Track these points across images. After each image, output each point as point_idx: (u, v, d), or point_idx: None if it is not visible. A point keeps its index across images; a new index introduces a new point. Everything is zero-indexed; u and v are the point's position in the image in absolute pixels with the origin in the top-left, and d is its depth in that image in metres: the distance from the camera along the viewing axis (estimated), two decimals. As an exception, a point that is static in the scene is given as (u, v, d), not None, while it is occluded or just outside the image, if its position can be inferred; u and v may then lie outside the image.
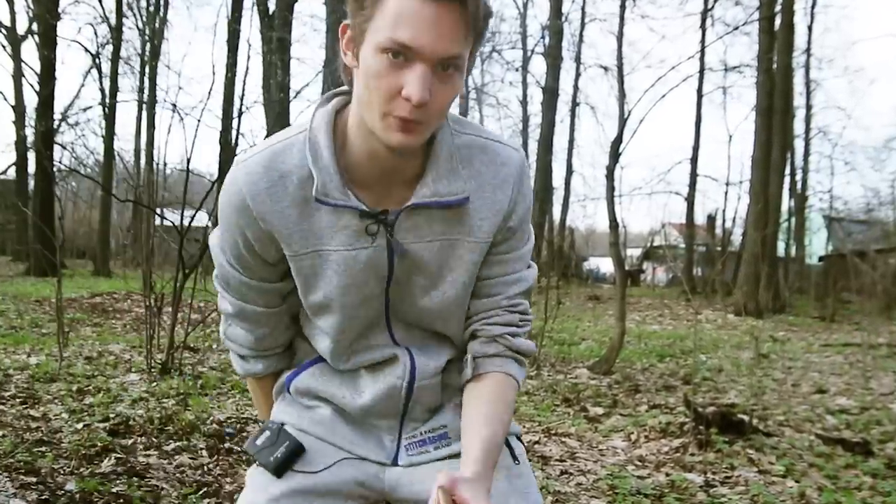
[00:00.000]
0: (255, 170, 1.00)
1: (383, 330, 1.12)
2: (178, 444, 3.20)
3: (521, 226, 1.09)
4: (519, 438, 1.20)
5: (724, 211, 24.78)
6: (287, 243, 1.02)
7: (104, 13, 20.14)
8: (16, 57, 18.89)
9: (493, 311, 1.11)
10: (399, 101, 0.89)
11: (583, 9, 22.86)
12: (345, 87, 1.04)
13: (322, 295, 1.06)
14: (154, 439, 3.25)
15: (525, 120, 25.66)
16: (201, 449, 3.17)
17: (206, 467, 2.95)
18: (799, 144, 21.95)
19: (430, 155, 1.01)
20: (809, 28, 21.19)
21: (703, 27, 21.02)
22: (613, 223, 6.66)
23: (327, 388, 1.15)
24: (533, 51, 24.52)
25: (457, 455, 1.06)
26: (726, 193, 37.60)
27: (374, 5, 0.89)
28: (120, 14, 19.23)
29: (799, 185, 21.66)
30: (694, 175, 22.78)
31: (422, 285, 1.07)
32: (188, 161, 5.83)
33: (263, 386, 1.25)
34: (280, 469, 1.08)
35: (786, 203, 18.90)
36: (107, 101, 19.41)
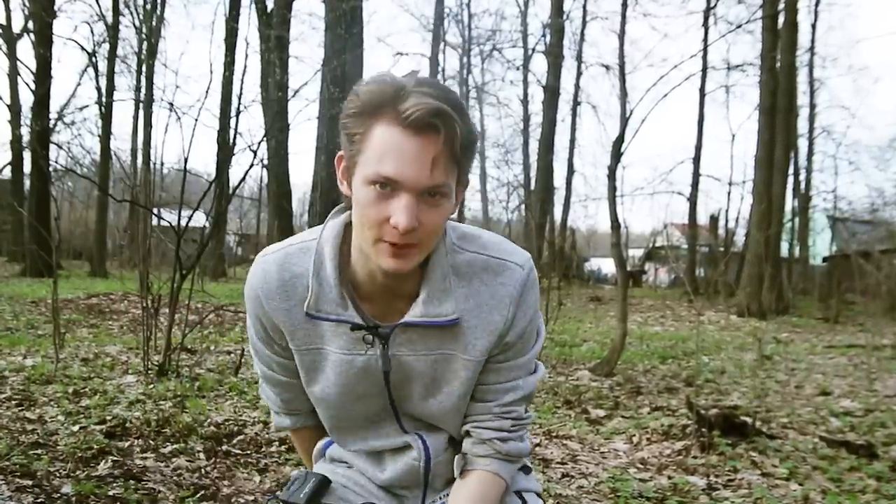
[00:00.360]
0: (270, 269, 1.10)
1: (392, 422, 1.19)
2: (175, 446, 3.21)
3: (522, 338, 1.12)
4: (539, 496, 1.27)
5: (726, 211, 24.78)
6: (291, 338, 1.11)
7: (100, 11, 20.18)
8: (11, 55, 18.93)
9: (485, 416, 1.15)
10: (388, 228, 0.95)
11: (584, 7, 22.87)
12: None
13: (320, 389, 1.15)
14: (151, 442, 3.25)
15: (526, 119, 25.67)
16: (199, 451, 3.17)
17: (203, 470, 2.96)
18: (802, 144, 21.93)
19: (424, 276, 1.06)
20: (813, 26, 21.15)
21: (705, 25, 21.01)
22: (615, 223, 6.66)
23: (355, 461, 1.25)
24: (534, 49, 24.56)
25: None
26: (729, 193, 37.71)
27: (362, 140, 0.96)
28: (116, 12, 19.24)
29: (802, 185, 21.63)
30: (696, 175, 22.76)
31: (419, 393, 1.14)
32: (185, 161, 5.85)
33: (299, 437, 1.34)
34: (310, 501, 1.13)
35: (789, 203, 18.89)
36: (103, 99, 19.41)
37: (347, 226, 1.08)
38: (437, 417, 1.16)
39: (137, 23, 20.99)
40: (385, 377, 1.11)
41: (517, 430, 1.16)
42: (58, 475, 2.71)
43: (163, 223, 5.61)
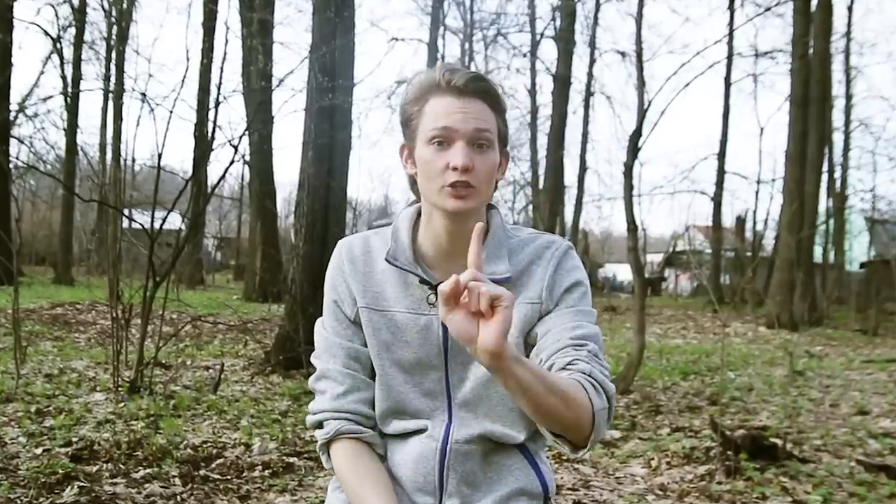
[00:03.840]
0: (355, 241, 1.44)
1: (442, 396, 1.37)
2: (147, 470, 3.21)
3: (575, 290, 1.34)
4: None
5: (754, 212, 24.94)
6: (363, 296, 1.37)
7: (66, -8, 20.18)
8: (-32, 41, 18.92)
9: (561, 349, 1.28)
10: (449, 172, 1.26)
11: (598, -12, 22.90)
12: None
13: (381, 351, 1.36)
14: (121, 466, 3.26)
15: (534, 111, 25.65)
16: (174, 476, 3.18)
17: (179, 497, 2.96)
18: (838, 138, 22.00)
19: (483, 245, 1.29)
20: (849, 9, 21.21)
21: (731, 8, 21.13)
22: (632, 226, 6.67)
23: None
24: (542, 34, 24.56)
25: None
26: (757, 193, 37.30)
27: (419, 116, 1.30)
28: (84, -7, 19.26)
29: (838, 184, 21.67)
30: (721, 172, 22.81)
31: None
32: (159, 157, 5.83)
33: (346, 453, 1.36)
34: None
35: (823, 203, 18.93)
36: (69, 90, 19.43)
37: (418, 215, 1.39)
38: (489, 384, 1.32)
39: (106, 5, 21.01)
40: (444, 333, 1.32)
41: (595, 362, 1.25)
42: (19, 503, 2.72)
43: (134, 225, 5.62)
